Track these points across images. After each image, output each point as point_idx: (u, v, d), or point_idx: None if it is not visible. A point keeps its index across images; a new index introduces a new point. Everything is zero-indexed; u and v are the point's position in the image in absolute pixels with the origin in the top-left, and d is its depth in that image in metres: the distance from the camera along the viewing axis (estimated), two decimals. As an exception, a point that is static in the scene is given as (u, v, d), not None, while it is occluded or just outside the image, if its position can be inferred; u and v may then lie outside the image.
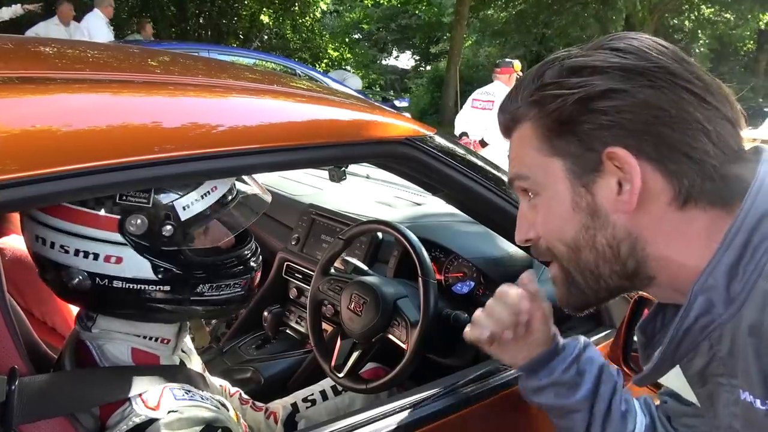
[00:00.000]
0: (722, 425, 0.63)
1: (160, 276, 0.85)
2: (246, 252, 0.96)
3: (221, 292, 0.91)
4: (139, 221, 0.82)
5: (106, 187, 0.65)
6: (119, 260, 0.83)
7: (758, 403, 0.56)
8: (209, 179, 0.85)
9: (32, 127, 0.60)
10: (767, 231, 0.57)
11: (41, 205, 0.77)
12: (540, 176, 0.65)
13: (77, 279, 0.83)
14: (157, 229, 0.83)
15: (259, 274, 0.99)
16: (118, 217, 0.81)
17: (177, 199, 0.84)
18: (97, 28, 6.57)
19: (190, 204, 0.84)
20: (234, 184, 0.92)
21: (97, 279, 0.84)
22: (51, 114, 0.63)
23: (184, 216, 0.84)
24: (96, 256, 0.83)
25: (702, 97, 0.58)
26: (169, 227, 0.84)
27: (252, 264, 0.96)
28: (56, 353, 0.99)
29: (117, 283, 0.84)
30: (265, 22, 14.04)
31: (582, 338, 0.95)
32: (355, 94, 6.93)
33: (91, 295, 0.85)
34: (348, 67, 9.99)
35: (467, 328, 0.92)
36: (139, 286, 0.85)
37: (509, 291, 0.89)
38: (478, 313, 0.92)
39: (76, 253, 0.82)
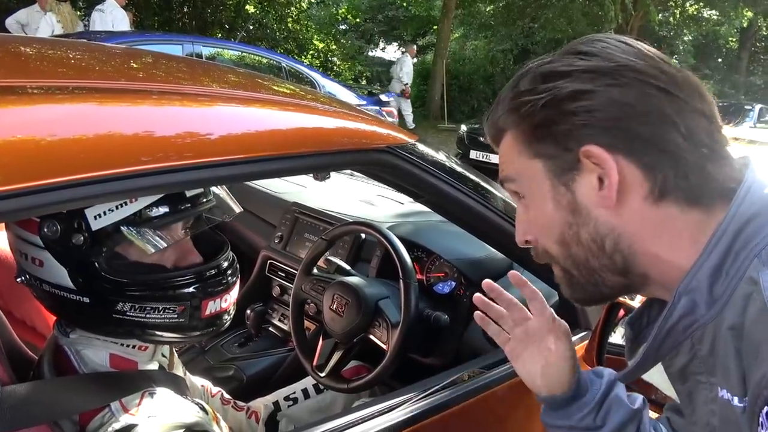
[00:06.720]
0: (700, 422, 0.66)
1: (78, 286, 0.82)
2: (183, 276, 0.88)
3: (148, 315, 0.85)
4: (54, 227, 0.80)
5: (90, 198, 0.65)
6: (41, 263, 0.83)
7: (735, 400, 0.58)
8: (195, 188, 0.85)
9: (15, 138, 0.60)
10: (750, 236, 0.59)
11: (24, 216, 0.77)
12: (525, 179, 0.69)
13: (21, 278, 0.86)
14: (69, 237, 0.80)
15: (213, 303, 0.90)
16: (38, 220, 0.81)
17: (88, 207, 0.79)
18: (119, 19, 6.60)
19: (102, 213, 0.80)
20: (172, 198, 0.84)
21: (31, 280, 0.85)
22: (34, 125, 0.63)
23: (95, 225, 0.80)
24: (26, 257, 0.84)
25: (668, 90, 0.60)
26: (80, 236, 0.80)
27: (189, 290, 0.87)
28: (36, 353, 0.98)
29: (45, 287, 0.84)
30: (250, 12, 13.88)
31: (607, 374, 0.90)
32: (344, 88, 6.90)
33: (42, 298, 0.87)
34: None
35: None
36: (61, 292, 0.83)
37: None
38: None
39: (17, 251, 0.85)
